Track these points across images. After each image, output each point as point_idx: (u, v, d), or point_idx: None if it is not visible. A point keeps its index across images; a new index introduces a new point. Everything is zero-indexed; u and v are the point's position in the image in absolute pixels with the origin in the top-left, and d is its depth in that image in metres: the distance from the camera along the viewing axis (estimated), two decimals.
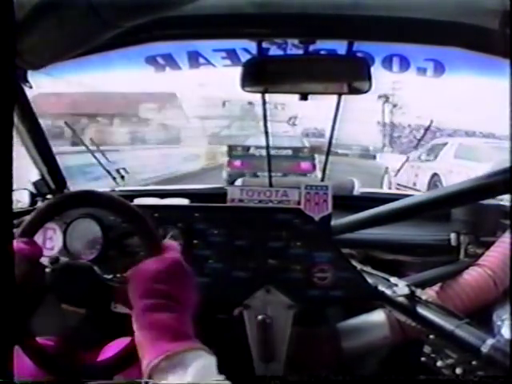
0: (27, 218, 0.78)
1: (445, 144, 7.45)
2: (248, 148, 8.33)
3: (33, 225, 0.78)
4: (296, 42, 1.15)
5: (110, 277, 0.77)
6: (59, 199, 0.85)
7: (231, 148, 8.54)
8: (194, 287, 0.72)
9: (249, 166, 7.62)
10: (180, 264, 0.72)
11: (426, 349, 1.19)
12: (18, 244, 0.71)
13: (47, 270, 0.74)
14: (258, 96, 1.26)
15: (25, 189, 1.47)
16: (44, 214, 0.80)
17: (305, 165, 8.30)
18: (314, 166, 8.14)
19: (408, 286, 1.10)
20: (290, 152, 8.22)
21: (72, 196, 0.89)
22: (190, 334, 0.64)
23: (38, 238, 1.23)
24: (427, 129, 2.02)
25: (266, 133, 1.51)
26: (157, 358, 0.58)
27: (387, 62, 1.74)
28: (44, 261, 0.78)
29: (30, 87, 1.20)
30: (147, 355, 0.60)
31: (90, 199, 0.83)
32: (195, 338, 0.64)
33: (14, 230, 0.72)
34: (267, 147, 1.66)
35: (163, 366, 0.58)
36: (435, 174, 6.82)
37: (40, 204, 1.44)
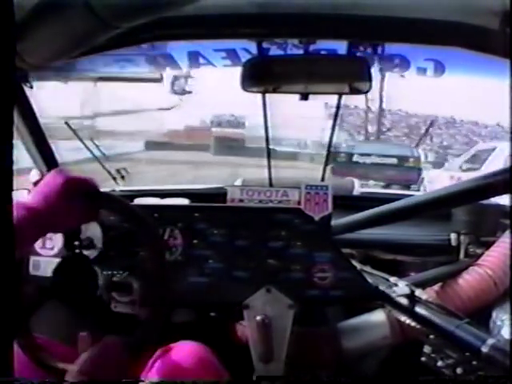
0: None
1: (492, 149, 6.40)
2: (351, 155, 8.06)
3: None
4: (296, 42, 1.15)
5: (110, 279, 0.77)
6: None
7: (335, 154, 8.03)
8: None
9: (353, 174, 6.91)
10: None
11: (426, 349, 1.19)
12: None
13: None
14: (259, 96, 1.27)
15: (25, 189, 1.48)
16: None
17: (409, 175, 7.72)
18: (418, 177, 7.64)
19: (408, 285, 1.10)
20: (395, 161, 7.89)
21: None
22: None
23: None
24: (428, 128, 2.02)
25: (266, 133, 1.51)
26: None
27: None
28: (45, 261, 0.79)
29: (31, 87, 1.21)
30: None
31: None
32: None
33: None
34: (267, 148, 1.65)
35: None
36: None
37: None
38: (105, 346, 0.73)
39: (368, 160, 7.97)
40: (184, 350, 0.75)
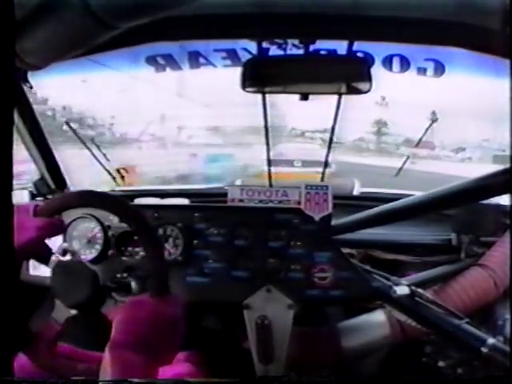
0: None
1: None
2: None
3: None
4: (296, 42, 1.14)
5: (110, 280, 0.77)
6: (60, 199, 0.85)
7: None
8: (177, 344, 0.74)
9: None
10: (175, 319, 0.73)
11: (427, 349, 1.19)
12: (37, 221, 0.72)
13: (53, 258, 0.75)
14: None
15: (25, 189, 1.48)
16: (44, 214, 0.79)
17: None
18: None
19: (408, 285, 1.10)
20: None
21: (72, 196, 0.89)
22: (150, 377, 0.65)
23: None
24: (428, 127, 2.01)
25: (267, 133, 1.51)
26: None
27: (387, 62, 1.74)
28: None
29: (31, 87, 1.21)
30: None
31: (90, 199, 0.83)
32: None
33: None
34: (267, 148, 1.65)
35: None
36: None
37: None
38: (131, 303, 0.73)
39: None
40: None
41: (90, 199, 0.82)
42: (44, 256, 0.77)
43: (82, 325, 0.76)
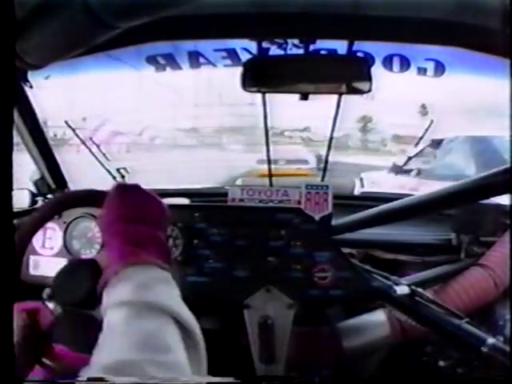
0: (28, 217, 0.78)
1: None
2: None
3: (33, 224, 0.78)
4: (296, 41, 1.14)
5: None
6: (60, 198, 0.85)
7: None
8: (163, 209, 0.72)
9: None
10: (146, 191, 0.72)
11: (427, 348, 1.19)
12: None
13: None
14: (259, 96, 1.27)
15: (25, 188, 1.48)
16: (44, 214, 0.80)
17: None
18: None
19: (409, 285, 1.10)
20: None
21: (73, 195, 0.89)
22: (154, 249, 0.63)
23: (38, 237, 1.25)
24: (427, 128, 2.01)
25: (267, 133, 1.51)
26: (113, 271, 0.58)
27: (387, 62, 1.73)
28: (45, 260, 0.79)
29: (31, 87, 1.21)
30: (108, 267, 0.60)
31: (90, 199, 0.82)
32: (163, 253, 0.64)
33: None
34: (267, 148, 1.65)
35: (114, 281, 0.58)
36: None
37: (41, 203, 1.44)
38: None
39: None
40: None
41: (90, 198, 0.82)
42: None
43: (72, 322, 0.75)
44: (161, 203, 0.72)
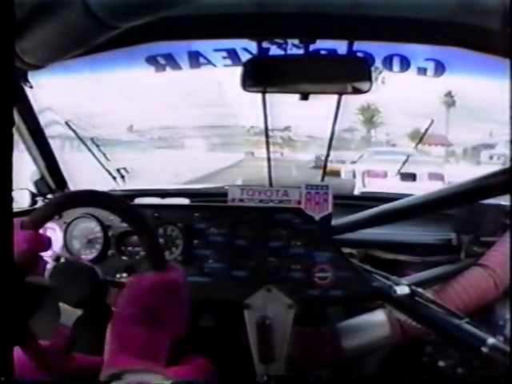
0: (28, 217, 0.78)
1: None
2: None
3: (34, 224, 0.78)
4: (296, 41, 1.14)
5: (110, 279, 0.76)
6: (60, 198, 0.85)
7: None
8: (183, 313, 0.72)
9: None
10: (177, 286, 0.71)
11: (427, 349, 1.19)
12: (24, 234, 0.70)
13: (48, 266, 0.74)
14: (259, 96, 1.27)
15: (25, 188, 1.48)
16: (45, 214, 0.79)
17: None
18: None
19: (409, 285, 1.10)
20: None
21: (73, 195, 0.89)
22: (155, 354, 0.63)
23: None
24: (427, 128, 2.01)
25: (267, 133, 1.51)
26: (108, 372, 0.58)
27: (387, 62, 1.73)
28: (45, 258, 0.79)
29: (31, 87, 1.21)
30: (106, 365, 0.60)
31: (90, 199, 0.82)
32: (162, 359, 0.64)
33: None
34: (268, 149, 1.66)
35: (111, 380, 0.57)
36: None
37: (40, 203, 1.44)
38: (132, 279, 0.71)
39: None
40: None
41: (91, 199, 0.82)
42: (39, 268, 0.76)
43: (91, 323, 0.75)
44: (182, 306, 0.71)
